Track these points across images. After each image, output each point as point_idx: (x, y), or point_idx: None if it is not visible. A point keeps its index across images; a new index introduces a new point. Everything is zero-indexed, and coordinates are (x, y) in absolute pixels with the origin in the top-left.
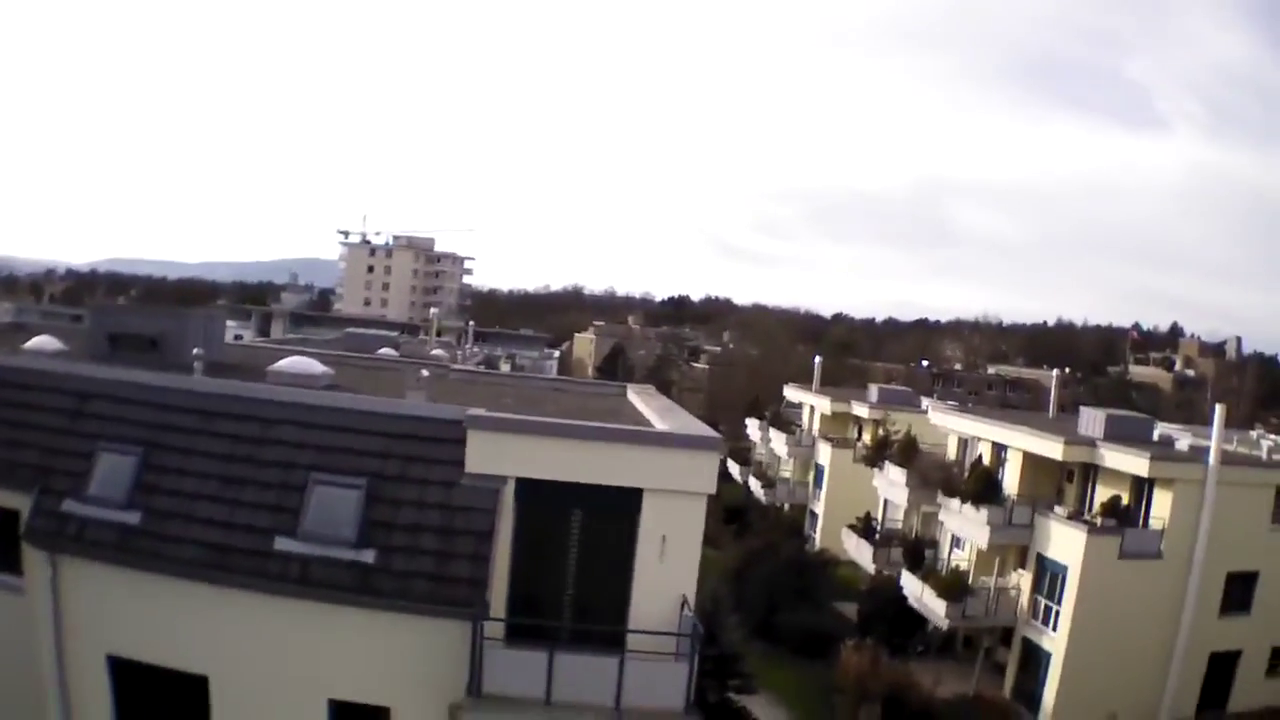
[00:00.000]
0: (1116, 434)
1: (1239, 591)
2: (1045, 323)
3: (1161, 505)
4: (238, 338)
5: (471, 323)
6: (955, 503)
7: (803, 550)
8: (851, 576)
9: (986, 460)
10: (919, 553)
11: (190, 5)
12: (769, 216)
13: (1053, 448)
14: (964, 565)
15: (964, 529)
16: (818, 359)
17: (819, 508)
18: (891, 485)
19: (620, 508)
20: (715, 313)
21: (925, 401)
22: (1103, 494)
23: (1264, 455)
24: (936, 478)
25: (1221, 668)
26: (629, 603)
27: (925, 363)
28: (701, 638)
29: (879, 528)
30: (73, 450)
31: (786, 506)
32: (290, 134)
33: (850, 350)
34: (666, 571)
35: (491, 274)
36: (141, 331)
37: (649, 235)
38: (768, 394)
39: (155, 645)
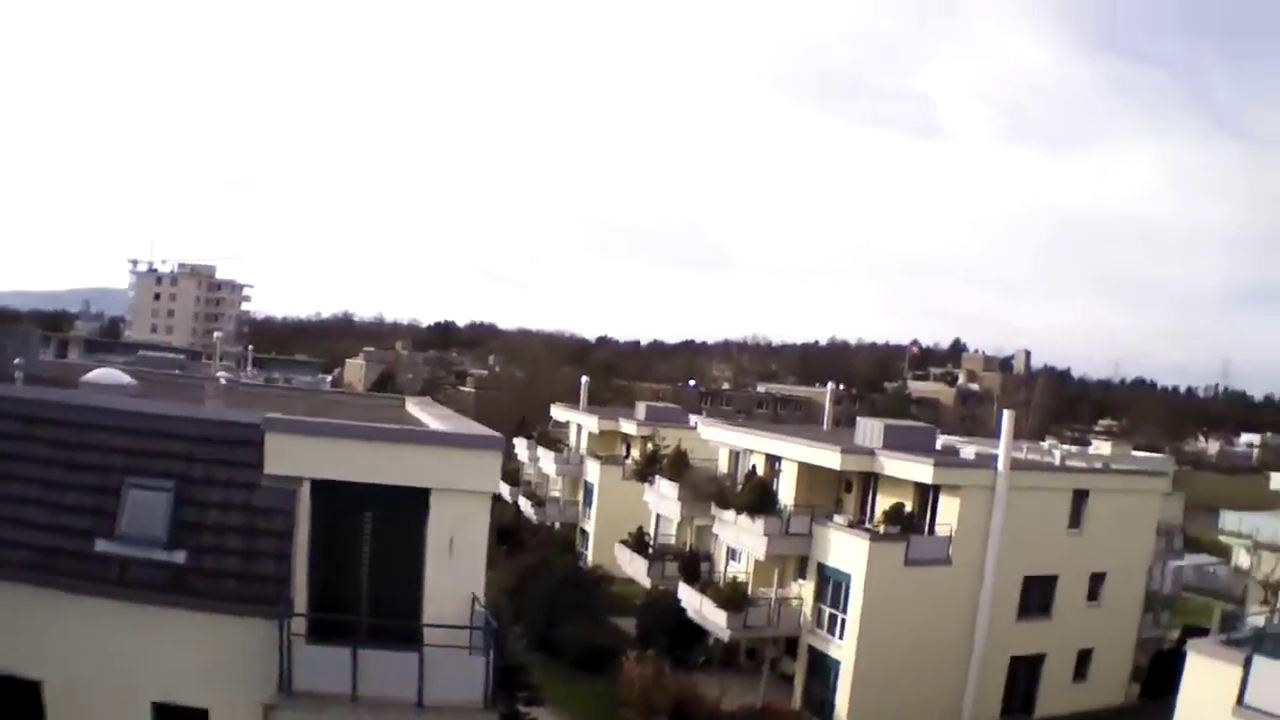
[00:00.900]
0: (896, 444)
1: (1038, 595)
2: (817, 342)
3: (948, 512)
4: None
5: (250, 347)
6: (730, 514)
7: (577, 566)
8: (628, 593)
9: (761, 472)
10: (695, 565)
11: None
12: (532, 238)
13: (830, 458)
14: (742, 577)
15: (740, 540)
16: (584, 379)
17: (590, 525)
18: (663, 499)
19: (409, 507)
20: (480, 337)
21: (694, 419)
22: (884, 503)
23: (1057, 462)
24: (709, 490)
25: (1025, 672)
26: (422, 600)
27: (693, 382)
28: (495, 632)
29: (652, 542)
30: None
31: (558, 525)
32: (80, 160)
33: (615, 371)
34: (455, 570)
35: (268, 301)
36: None
37: (415, 262)
38: (535, 415)
39: None
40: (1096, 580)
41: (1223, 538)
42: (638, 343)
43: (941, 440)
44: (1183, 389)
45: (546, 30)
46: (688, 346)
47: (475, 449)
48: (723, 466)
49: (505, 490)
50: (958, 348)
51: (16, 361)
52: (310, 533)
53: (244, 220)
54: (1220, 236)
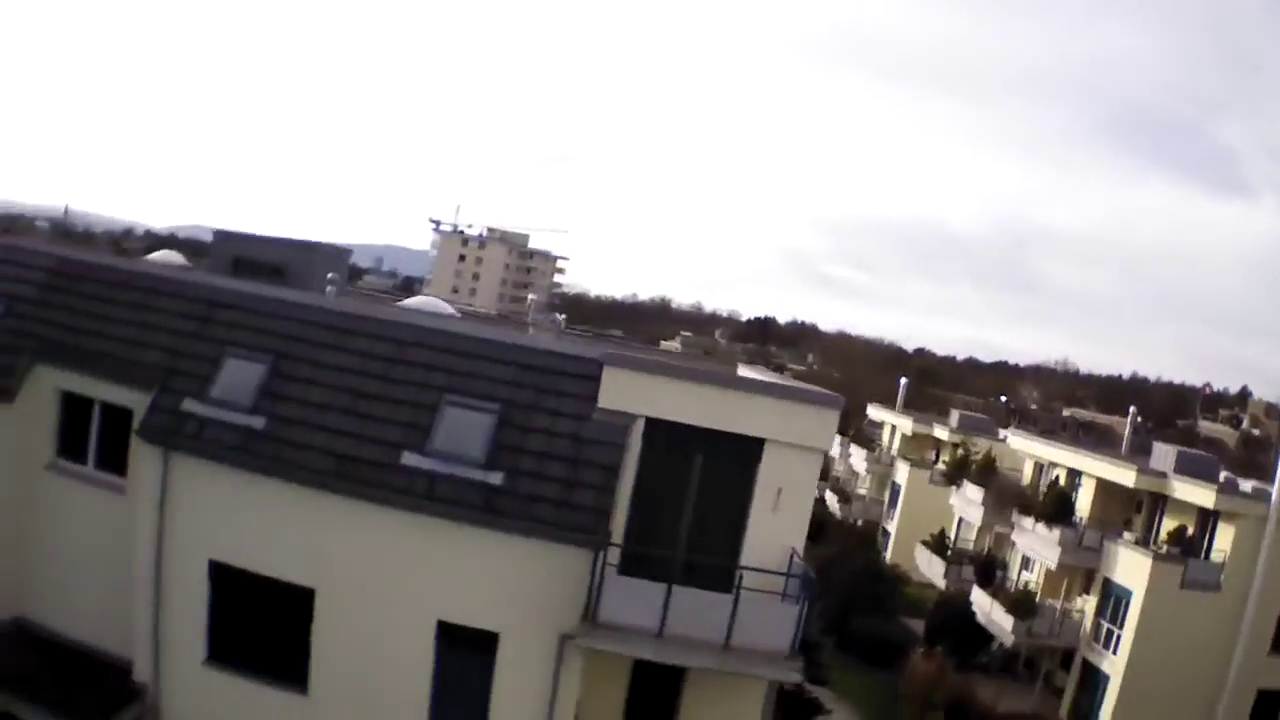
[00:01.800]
0: (1186, 468)
1: None
2: (1120, 375)
3: (1224, 539)
4: None
5: (564, 315)
6: (1029, 521)
7: (877, 560)
8: (921, 595)
9: (1060, 479)
10: (990, 570)
11: None
12: (858, 247)
13: (1125, 475)
14: (1033, 585)
15: (1035, 548)
16: (904, 380)
17: (892, 526)
18: (968, 503)
19: (741, 455)
20: (800, 336)
21: (1003, 432)
22: (1169, 524)
23: None
24: (1012, 497)
25: (1267, 706)
26: (741, 548)
27: (1004, 398)
28: (814, 585)
29: (952, 545)
30: (199, 354)
31: (860, 522)
32: (381, 120)
33: (933, 380)
34: (779, 522)
35: (580, 277)
36: (268, 259)
37: (738, 255)
38: (850, 412)
39: (264, 553)
40: None
41: None
42: (954, 358)
43: (1224, 474)
44: None
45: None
46: (1001, 366)
47: (815, 404)
48: (1026, 477)
49: None
50: (1245, 393)
51: (330, 276)
52: (637, 470)
53: (559, 195)
54: None
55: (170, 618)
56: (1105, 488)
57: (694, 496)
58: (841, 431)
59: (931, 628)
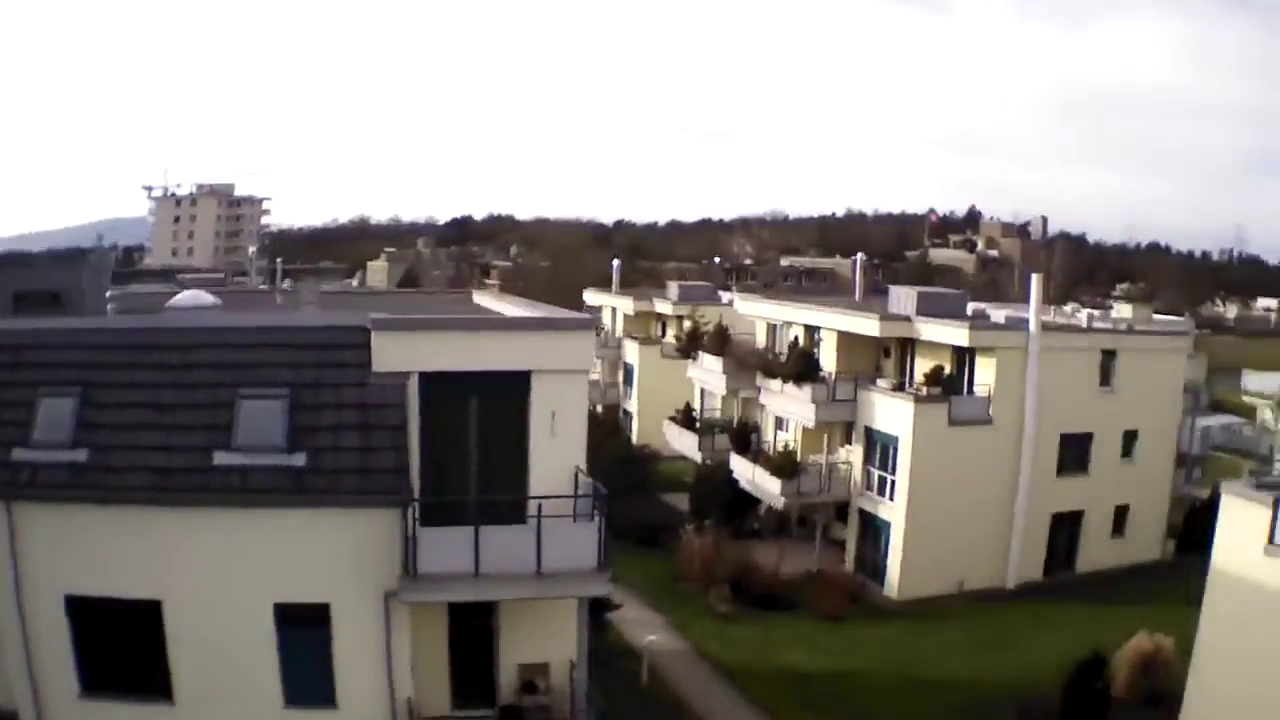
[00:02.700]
0: (929, 310)
1: (1075, 453)
2: (834, 214)
3: (985, 374)
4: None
5: (280, 260)
6: (776, 384)
7: (626, 445)
8: (676, 469)
9: (802, 343)
10: (745, 436)
11: None
12: (541, 125)
13: (869, 325)
14: (792, 445)
15: (788, 408)
16: (615, 262)
17: (633, 406)
18: (708, 374)
19: (512, 389)
20: (498, 230)
21: (725, 295)
22: (922, 367)
23: (1084, 324)
24: (754, 362)
25: (1066, 529)
26: (528, 475)
27: (717, 259)
28: (604, 497)
29: (699, 417)
30: (15, 400)
31: (600, 408)
32: (81, 91)
33: (641, 253)
34: (558, 444)
35: (285, 213)
36: (44, 288)
37: (427, 159)
38: (565, 301)
39: (109, 578)
40: (1129, 438)
41: (1246, 398)
42: (655, 224)
43: (971, 306)
44: (1197, 254)
45: None
46: (706, 225)
47: (571, 330)
48: (761, 340)
49: None
50: (974, 215)
51: (109, 294)
52: (420, 422)
53: (254, 135)
54: (1234, 110)
55: (41, 658)
56: (848, 340)
57: (476, 436)
58: None
59: (697, 502)
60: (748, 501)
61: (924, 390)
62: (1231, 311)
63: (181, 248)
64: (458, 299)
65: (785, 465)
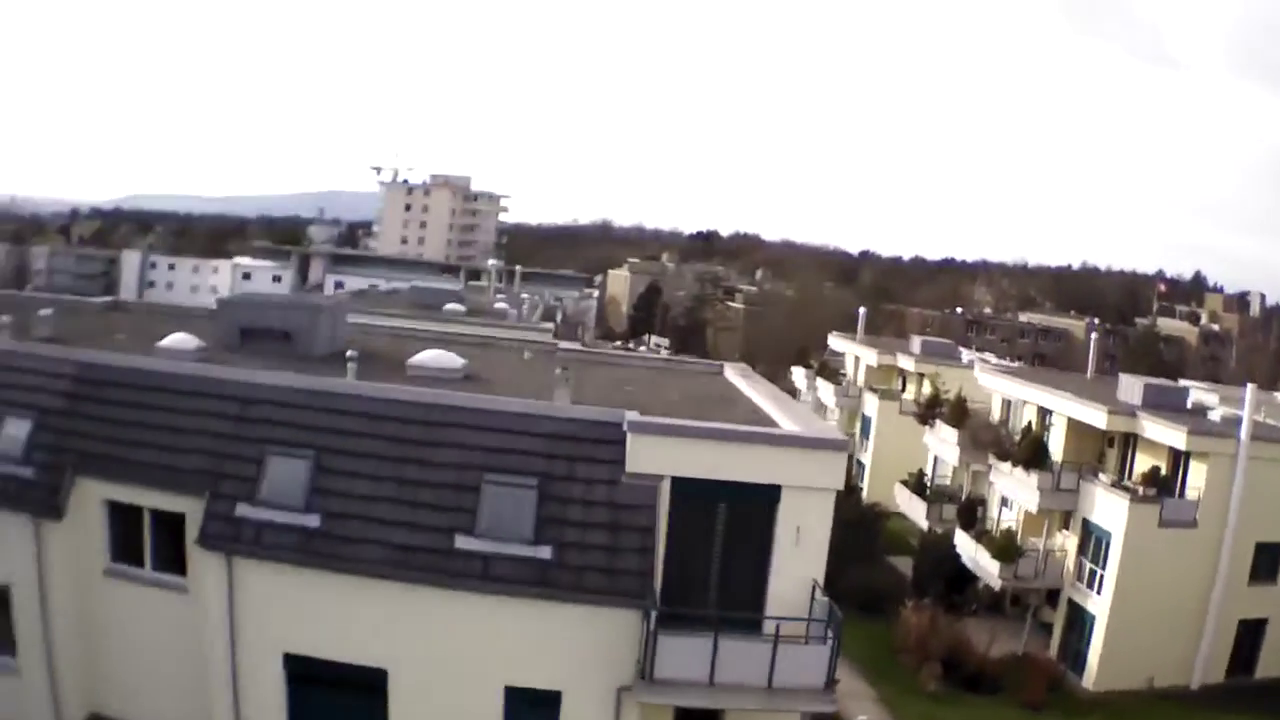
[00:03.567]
0: (1154, 402)
1: (1267, 561)
2: (1070, 265)
3: (1197, 476)
4: (276, 279)
5: (519, 268)
6: (1006, 466)
7: (859, 508)
8: (902, 529)
9: (1033, 422)
10: (972, 513)
11: None
12: (794, 152)
13: (1097, 416)
14: (1013, 525)
15: (1014, 491)
16: (862, 310)
17: (867, 458)
18: (942, 443)
19: (762, 501)
20: (744, 248)
21: (965, 354)
22: (1142, 461)
23: None
24: (987, 439)
25: (1250, 635)
26: (767, 585)
27: (959, 309)
28: (839, 620)
29: (930, 484)
30: (240, 455)
31: None
32: (310, 64)
33: (885, 295)
34: (800, 557)
35: (521, 208)
36: (274, 325)
37: (676, 169)
38: (808, 339)
39: (333, 641)
40: None
41: None
42: (900, 258)
43: (1191, 394)
44: None
45: None
46: (949, 265)
47: (824, 450)
48: (996, 411)
49: None
50: (1200, 280)
51: (349, 354)
52: (668, 525)
53: (495, 125)
54: None
55: (249, 713)
56: (1077, 426)
57: (721, 542)
58: (806, 365)
59: (920, 573)
60: (967, 574)
61: (1140, 490)
62: None
63: (412, 236)
64: (710, 374)
65: (1006, 548)
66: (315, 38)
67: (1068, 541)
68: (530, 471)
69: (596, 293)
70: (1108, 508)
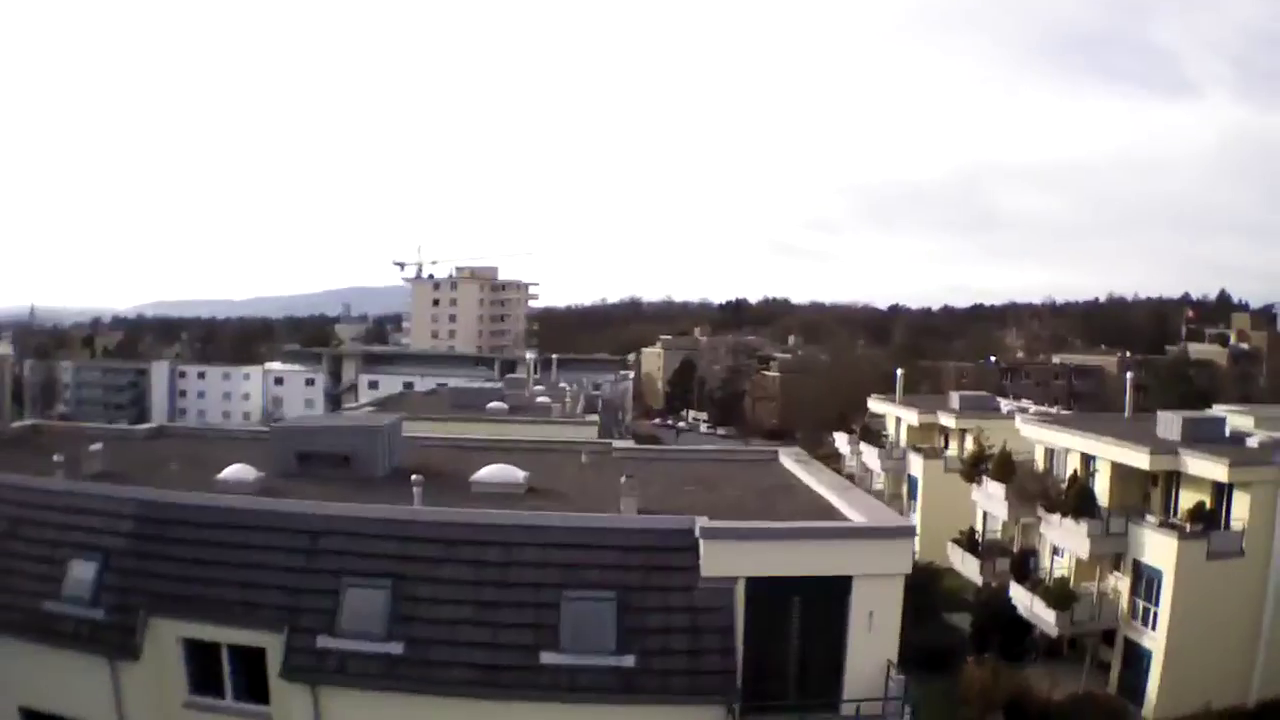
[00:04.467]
0: (1192, 436)
1: None
2: (1097, 299)
3: (1240, 506)
4: (309, 382)
5: (555, 357)
6: (1055, 517)
7: (913, 570)
8: (957, 586)
9: (1076, 469)
10: (1024, 563)
11: (220, 36)
12: (818, 212)
13: (1140, 458)
14: (1065, 572)
15: (1065, 540)
16: (899, 372)
17: (916, 518)
18: (990, 499)
19: (834, 592)
20: (774, 314)
21: (1003, 403)
22: (1186, 496)
23: None
24: (1034, 491)
25: None
26: (843, 670)
27: (993, 359)
28: (914, 697)
29: (981, 539)
30: (315, 588)
31: None
32: (327, 163)
33: (918, 352)
34: (873, 640)
35: (548, 291)
36: (332, 450)
37: (701, 240)
38: (846, 402)
39: None
40: None
41: None
42: (929, 309)
43: (1228, 422)
44: None
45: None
46: (978, 311)
47: (891, 539)
48: (1039, 460)
49: None
50: (1225, 298)
51: (415, 479)
52: (745, 621)
53: (515, 213)
54: None
55: None
56: (1121, 469)
57: (798, 633)
58: (848, 430)
59: (979, 627)
60: (1025, 625)
61: (1187, 526)
62: None
63: (442, 330)
64: (764, 462)
65: (1061, 596)
66: (331, 134)
67: (1120, 583)
68: (608, 585)
69: (631, 374)
70: (1157, 547)
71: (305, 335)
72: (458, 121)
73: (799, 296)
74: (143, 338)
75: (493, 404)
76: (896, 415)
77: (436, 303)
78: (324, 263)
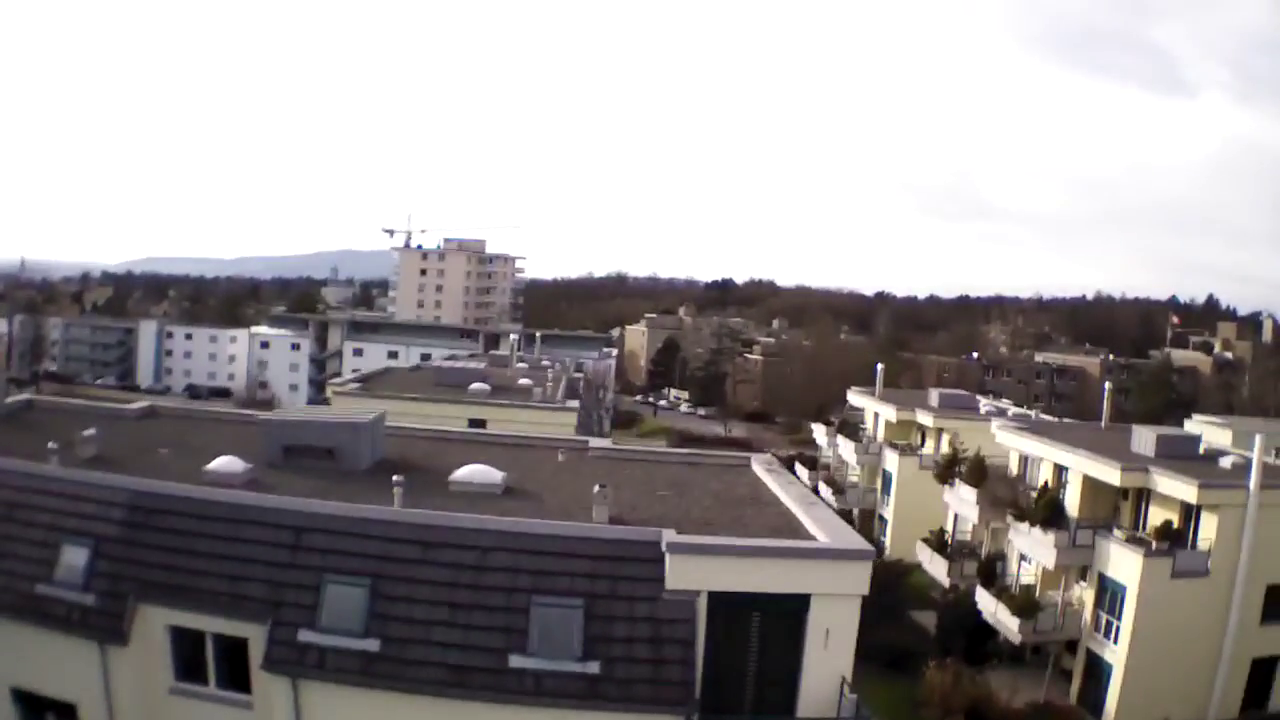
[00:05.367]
0: (1166, 452)
1: (1277, 602)
2: (1084, 297)
3: (1209, 527)
4: (294, 347)
5: (539, 333)
6: (1024, 525)
7: (881, 567)
8: (924, 583)
9: (1049, 478)
10: (992, 570)
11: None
12: (810, 193)
13: (1111, 474)
14: (1032, 579)
15: (1032, 550)
16: (879, 366)
17: (888, 513)
18: (962, 502)
19: (793, 609)
20: (760, 295)
21: (983, 403)
22: (1156, 513)
23: None
24: (1006, 498)
25: (1262, 672)
26: (799, 685)
27: (975, 355)
28: (866, 717)
29: (951, 540)
30: (297, 582)
31: (856, 511)
32: (320, 127)
33: (901, 344)
34: (829, 657)
35: (535, 263)
36: (317, 443)
37: (689, 219)
38: (826, 391)
39: None
40: None
41: None
42: (914, 298)
43: (1204, 439)
44: None
45: None
46: (963, 302)
47: (850, 560)
48: (1013, 465)
49: (804, 475)
50: (1212, 304)
51: (396, 479)
52: (706, 634)
53: (506, 181)
54: None
55: None
56: (1093, 482)
57: (756, 647)
58: (826, 422)
59: (943, 630)
60: (988, 630)
61: (1154, 544)
62: None
63: (428, 300)
64: (737, 468)
65: (1025, 606)
66: (328, 98)
67: (1085, 594)
68: (577, 592)
69: (615, 352)
70: (1122, 562)
71: (292, 298)
72: (452, 92)
73: (786, 279)
74: (131, 294)
75: (475, 385)
76: (875, 410)
77: (424, 273)
78: (313, 224)
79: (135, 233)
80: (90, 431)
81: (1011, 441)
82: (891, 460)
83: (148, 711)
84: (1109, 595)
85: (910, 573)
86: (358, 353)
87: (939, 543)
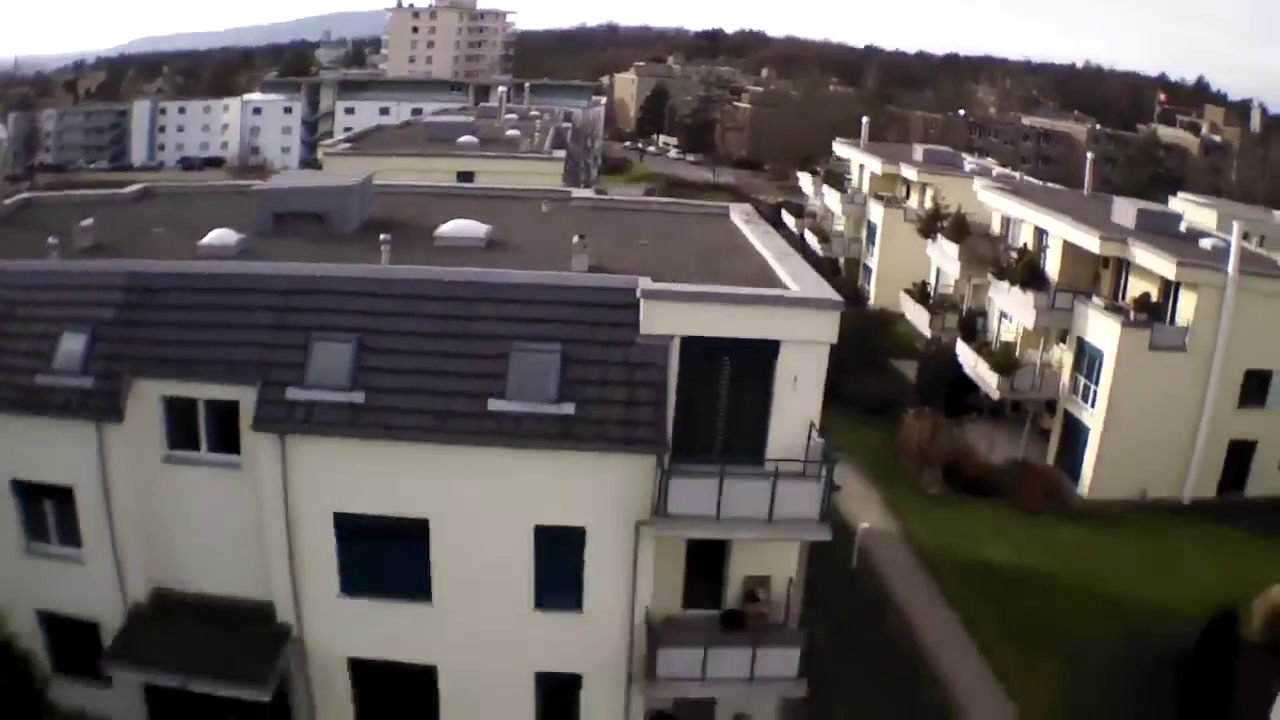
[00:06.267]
0: (1147, 226)
1: (1256, 387)
2: (1074, 65)
3: (1187, 305)
4: (287, 110)
5: (528, 83)
6: (1004, 284)
7: (864, 316)
8: (907, 333)
9: (1029, 240)
10: (973, 325)
11: None
12: None
13: (1090, 241)
14: (1012, 338)
15: (1012, 308)
16: (865, 120)
17: (873, 262)
18: (944, 257)
19: (762, 355)
20: (749, 45)
21: (967, 161)
22: (1135, 285)
23: None
24: (987, 256)
25: (1240, 455)
26: (768, 429)
27: (962, 112)
28: (833, 459)
29: (933, 294)
30: (286, 343)
31: (842, 260)
32: None
33: (889, 99)
34: (797, 401)
35: (526, 14)
36: (307, 208)
37: None
38: (813, 140)
39: (379, 499)
40: None
41: None
42: (904, 52)
43: (1185, 218)
44: None
45: None
46: (953, 59)
47: (820, 309)
48: (995, 226)
49: (791, 222)
50: (1203, 86)
51: (383, 238)
52: (678, 378)
53: None
54: None
55: (304, 567)
56: (1072, 248)
57: (726, 392)
58: (812, 171)
59: (924, 380)
60: (970, 383)
61: (1132, 314)
62: None
63: (419, 57)
64: (717, 217)
65: (1005, 362)
66: None
67: (1064, 356)
68: (554, 338)
69: (604, 100)
70: (1101, 329)
71: (286, 62)
72: None
73: (776, 30)
74: (124, 77)
75: (464, 138)
76: (861, 162)
77: (415, 30)
78: None
79: (126, 16)
80: (88, 222)
81: (993, 201)
82: (876, 212)
83: (141, 484)
84: (1087, 360)
85: (894, 322)
86: (349, 112)
87: (921, 295)
